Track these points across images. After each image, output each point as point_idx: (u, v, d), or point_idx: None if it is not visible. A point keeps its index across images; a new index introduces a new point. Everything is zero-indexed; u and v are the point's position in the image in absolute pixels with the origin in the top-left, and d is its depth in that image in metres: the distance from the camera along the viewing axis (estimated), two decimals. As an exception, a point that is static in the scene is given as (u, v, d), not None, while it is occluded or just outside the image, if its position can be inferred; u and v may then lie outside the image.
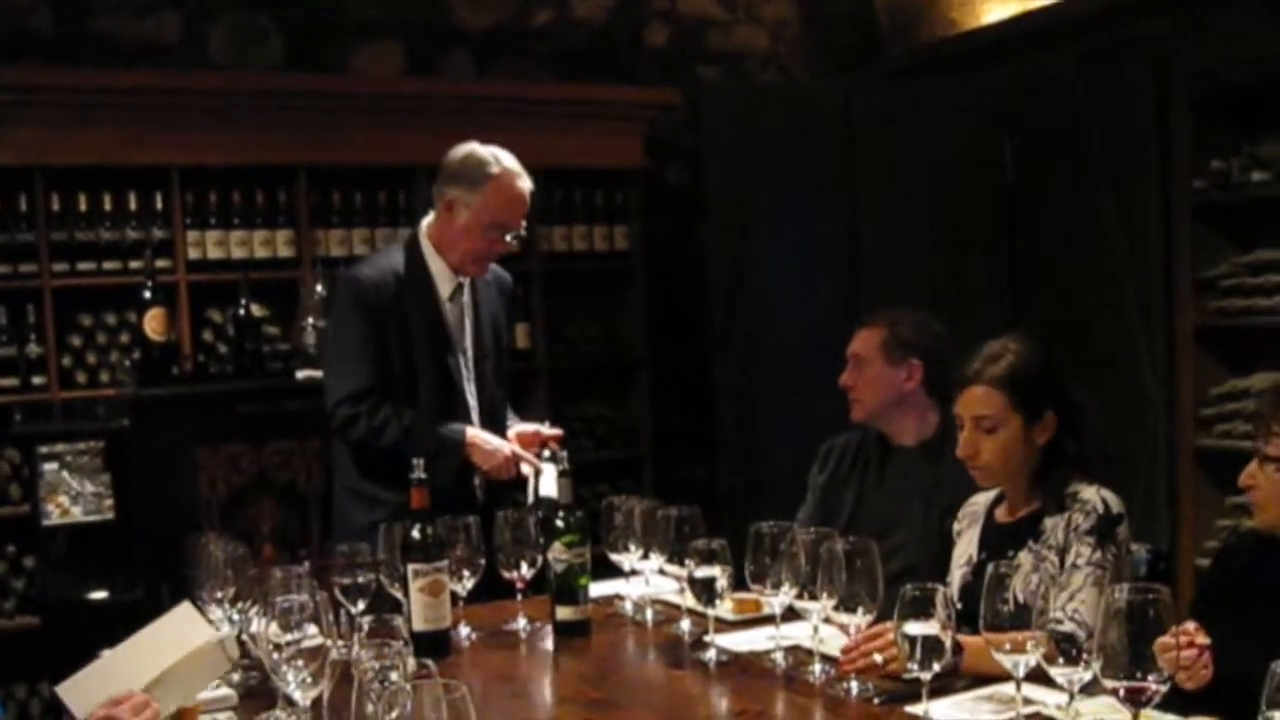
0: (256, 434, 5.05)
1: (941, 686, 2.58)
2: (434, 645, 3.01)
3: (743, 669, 2.94)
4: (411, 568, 3.08)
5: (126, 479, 4.87)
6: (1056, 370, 3.17)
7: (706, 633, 3.07)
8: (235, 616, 2.89)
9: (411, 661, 2.24)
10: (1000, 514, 3.19)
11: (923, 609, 2.40)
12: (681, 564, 3.07)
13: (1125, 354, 5.40)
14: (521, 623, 3.34)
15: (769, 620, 3.00)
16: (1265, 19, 4.81)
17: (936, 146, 5.89)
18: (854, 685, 2.68)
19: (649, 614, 3.42)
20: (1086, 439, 3.14)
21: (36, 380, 5.14)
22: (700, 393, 6.34)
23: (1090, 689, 2.29)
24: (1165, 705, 2.24)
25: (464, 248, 4.00)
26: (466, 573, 3.24)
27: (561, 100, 6.05)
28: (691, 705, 2.85)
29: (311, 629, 2.39)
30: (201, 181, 5.44)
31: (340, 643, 2.49)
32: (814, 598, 2.69)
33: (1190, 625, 2.57)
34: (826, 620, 2.73)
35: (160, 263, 5.23)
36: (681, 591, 3.21)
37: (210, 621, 2.78)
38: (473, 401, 4.07)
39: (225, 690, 2.77)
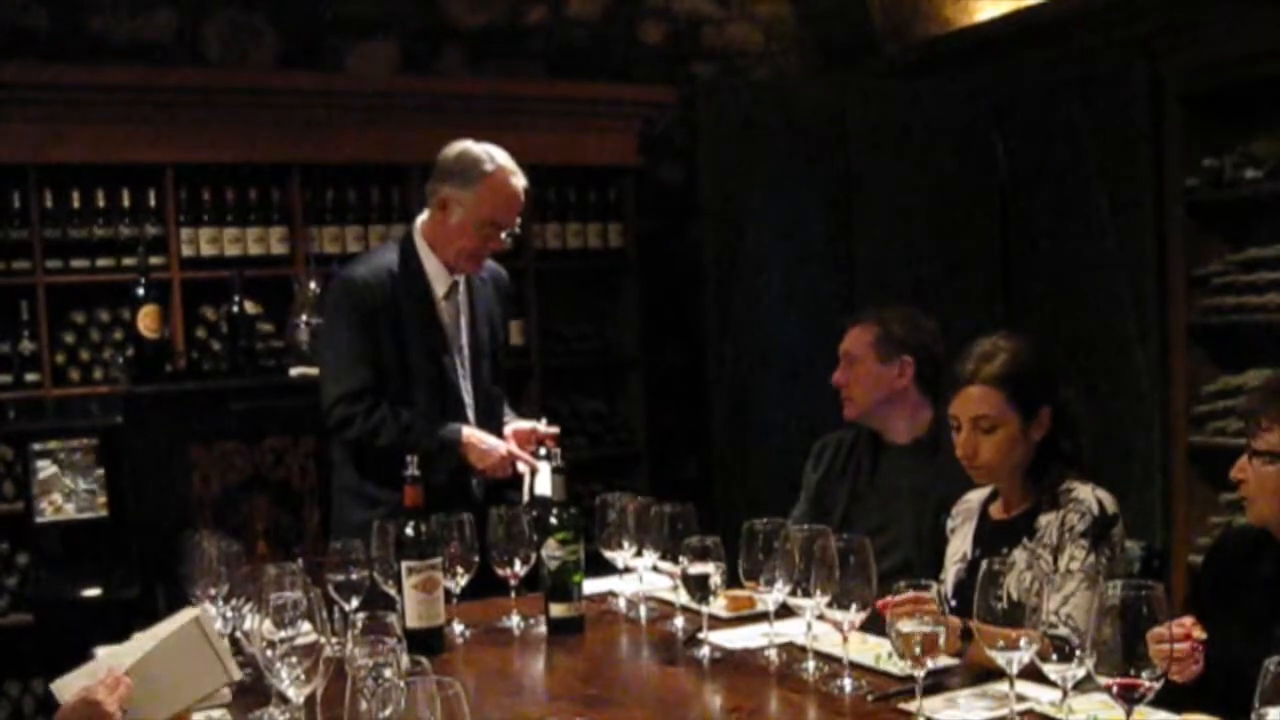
0: (250, 431, 5.04)
1: (935, 684, 2.58)
2: (428, 642, 3.00)
3: (736, 666, 2.95)
4: (405, 565, 3.08)
5: (120, 476, 4.87)
6: (1050, 366, 3.17)
7: (700, 630, 3.07)
8: (229, 614, 2.88)
9: (405, 659, 2.23)
10: (994, 511, 3.19)
11: (916, 605, 2.41)
12: (675, 561, 3.07)
13: (1118, 351, 5.41)
14: (515, 620, 3.34)
15: (763, 617, 2.99)
16: (1257, 17, 4.82)
17: (930, 144, 5.90)
18: (847, 682, 2.68)
19: (643, 611, 3.41)
20: (1081, 435, 3.14)
21: (30, 377, 5.14)
22: (694, 390, 6.33)
23: (1084, 686, 2.29)
24: (1158, 701, 2.24)
25: (458, 245, 4.00)
26: (460, 570, 3.24)
27: (555, 98, 6.05)
28: (685, 702, 2.84)
29: (305, 626, 2.39)
30: (195, 179, 5.44)
31: (334, 640, 2.49)
32: (807, 595, 2.69)
33: (1188, 620, 2.57)
34: (820, 617, 2.73)
35: (154, 260, 5.23)
36: (675, 588, 3.22)
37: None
38: (468, 399, 4.07)
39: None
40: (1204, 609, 2.74)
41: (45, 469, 4.80)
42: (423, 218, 4.08)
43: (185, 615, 2.68)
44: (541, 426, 4.06)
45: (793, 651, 2.93)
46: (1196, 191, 5.19)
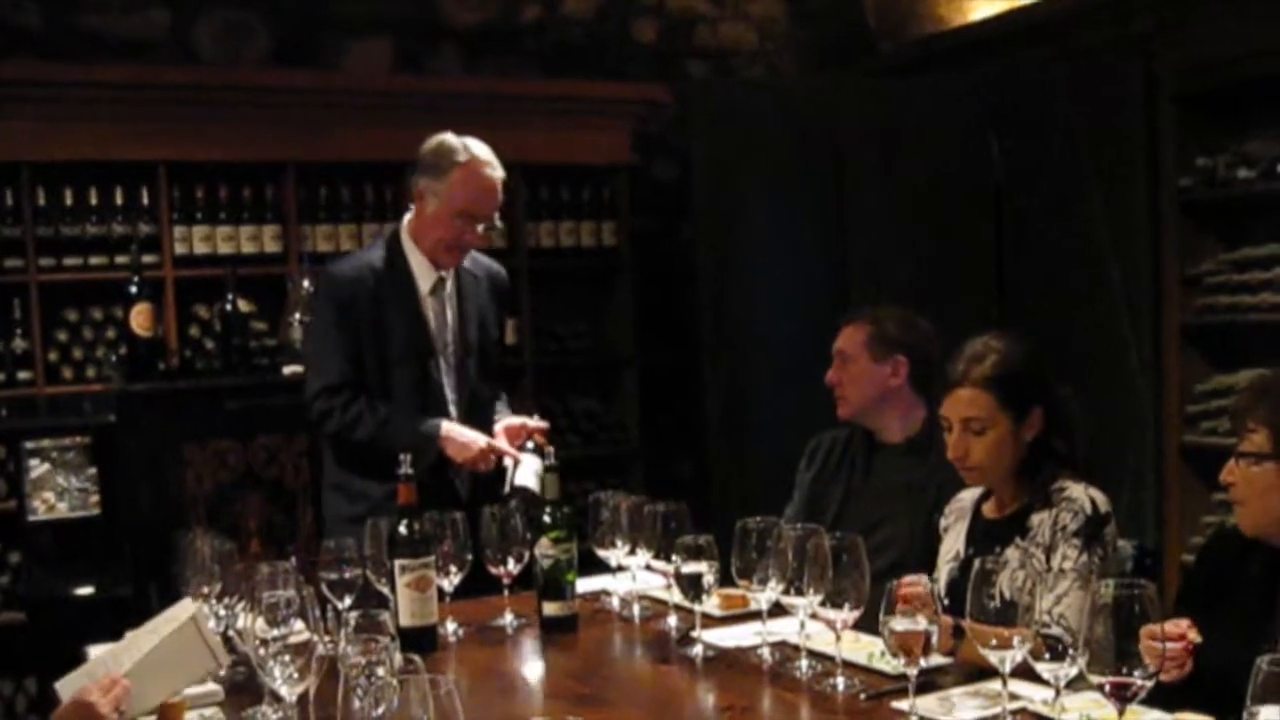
0: (243, 429, 5.03)
1: (928, 682, 2.59)
2: (421, 641, 3.00)
3: (729, 664, 2.94)
4: (398, 563, 3.08)
5: (113, 475, 4.86)
6: (1042, 366, 3.17)
7: (693, 628, 3.07)
8: (222, 612, 2.88)
9: (398, 657, 2.23)
10: (988, 510, 3.19)
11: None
12: (668, 559, 3.07)
13: (1112, 350, 5.41)
14: (508, 618, 3.34)
15: (756, 616, 2.99)
16: (1251, 16, 4.83)
17: (924, 143, 5.90)
18: (840, 681, 2.68)
19: (636, 609, 3.41)
20: (1074, 434, 3.14)
21: (22, 375, 5.15)
22: (687, 389, 6.33)
23: (1076, 684, 2.29)
24: (1150, 700, 2.24)
25: (434, 236, 3.98)
26: (453, 568, 3.23)
27: (549, 96, 6.05)
28: (678, 700, 2.85)
29: (298, 624, 2.39)
30: (189, 177, 5.44)
31: (327, 638, 2.49)
32: (801, 593, 2.69)
33: (1184, 622, 2.57)
34: (813, 616, 2.72)
35: (147, 258, 5.23)
36: (668, 587, 3.21)
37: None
38: (450, 396, 4.05)
39: (212, 685, 2.77)
40: (1194, 608, 2.74)
41: (38, 467, 4.79)
42: (410, 214, 4.08)
43: (182, 611, 2.69)
44: (531, 421, 4.04)
45: (786, 650, 2.93)
46: (1190, 191, 5.19)
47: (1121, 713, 2.16)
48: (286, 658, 2.35)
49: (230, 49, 5.77)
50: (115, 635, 3.09)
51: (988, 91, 5.87)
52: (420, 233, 4.01)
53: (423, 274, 4.03)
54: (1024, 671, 2.36)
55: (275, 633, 2.37)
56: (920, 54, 6.46)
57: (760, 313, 6.07)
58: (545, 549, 3.25)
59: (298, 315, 5.12)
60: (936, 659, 2.59)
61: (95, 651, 2.92)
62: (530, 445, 3.90)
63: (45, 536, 4.85)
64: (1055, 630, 2.67)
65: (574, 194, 6.24)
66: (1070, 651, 2.21)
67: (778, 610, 2.85)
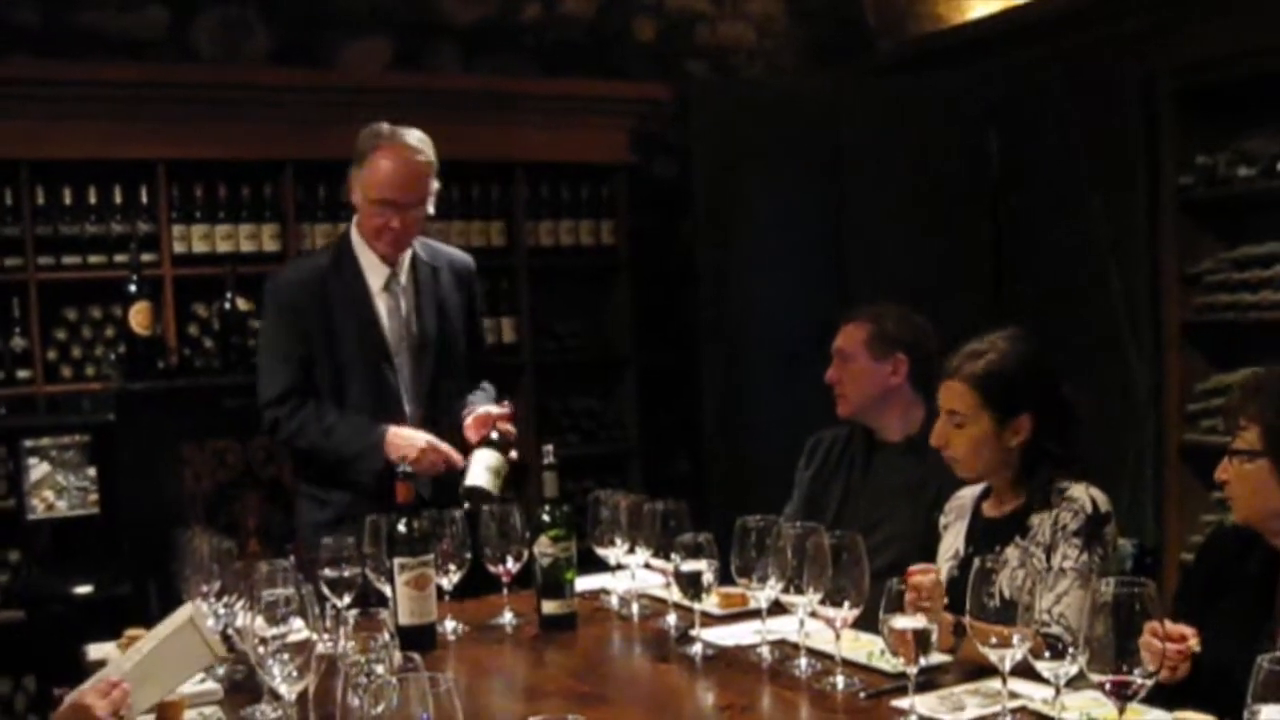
0: (242, 428, 5.03)
1: (928, 681, 2.58)
2: (420, 639, 3.00)
3: (729, 663, 2.94)
4: (397, 561, 3.08)
5: (111, 473, 4.85)
6: (1042, 373, 3.14)
7: (692, 627, 3.07)
8: (221, 611, 2.88)
9: (397, 655, 2.23)
10: (987, 509, 3.19)
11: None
12: (668, 558, 3.07)
13: (1112, 349, 5.41)
14: (507, 617, 3.34)
15: (755, 614, 3.00)
16: (1250, 13, 4.82)
17: (923, 142, 5.90)
18: (840, 680, 2.68)
19: (635, 608, 3.41)
20: (1072, 442, 3.12)
21: (21, 374, 5.14)
22: (686, 387, 6.33)
23: (1076, 683, 2.29)
24: (1150, 699, 2.24)
25: (365, 226, 3.93)
26: (452, 567, 3.23)
27: (548, 95, 6.05)
28: (677, 699, 2.85)
29: (297, 623, 2.39)
30: (187, 175, 5.43)
31: (326, 636, 2.49)
32: (800, 592, 2.69)
33: (1188, 630, 2.56)
34: (813, 614, 2.72)
35: (145, 257, 5.22)
36: (668, 585, 3.21)
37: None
38: (406, 394, 3.97)
39: (211, 684, 2.77)
40: (1192, 606, 2.75)
41: (37, 466, 4.78)
42: None
43: (181, 615, 2.68)
44: (495, 409, 3.90)
45: (785, 649, 2.93)
46: (1190, 189, 5.19)
47: (1122, 711, 2.16)
48: (285, 656, 2.35)
49: (229, 47, 5.77)
50: (114, 634, 3.09)
51: (986, 90, 5.87)
52: (359, 223, 3.97)
53: (372, 270, 3.97)
54: (1024, 670, 2.35)
55: (274, 631, 2.37)
56: (919, 52, 6.46)
57: (759, 312, 6.07)
58: (544, 547, 3.25)
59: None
60: (936, 657, 2.59)
61: (94, 652, 2.92)
62: (494, 434, 3.78)
63: (44, 535, 4.84)
64: (1054, 629, 2.67)
65: (573, 193, 6.23)
66: (1070, 650, 2.21)
67: (777, 609, 2.85)
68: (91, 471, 4.84)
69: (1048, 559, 2.94)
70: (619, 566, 3.42)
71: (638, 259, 6.32)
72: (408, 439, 3.81)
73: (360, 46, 6.01)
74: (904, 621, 2.40)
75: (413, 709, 1.83)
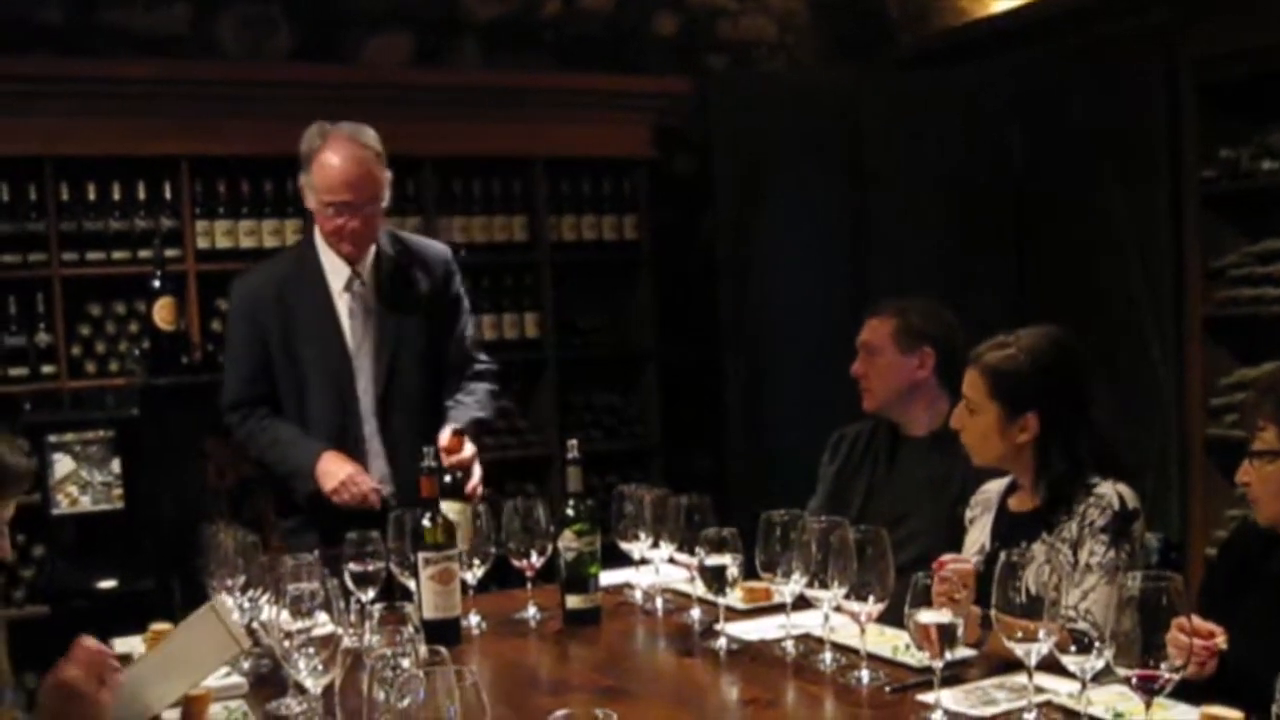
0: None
1: (953, 675, 2.58)
2: (444, 633, 2.99)
3: (753, 657, 2.94)
4: (422, 556, 3.08)
5: (135, 468, 4.87)
6: (1060, 376, 3.11)
7: (717, 621, 3.07)
8: (246, 605, 2.89)
9: (423, 649, 2.23)
10: (1013, 503, 3.17)
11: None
12: (692, 552, 3.07)
13: (1135, 344, 5.40)
14: (531, 611, 3.34)
15: (779, 609, 3.00)
16: (1273, 7, 4.80)
17: (945, 136, 5.89)
18: (865, 674, 2.68)
19: (659, 602, 3.41)
20: (1078, 451, 3.08)
21: (46, 370, 5.16)
22: (709, 382, 6.33)
23: (1103, 678, 2.28)
24: (1175, 694, 2.23)
25: (323, 229, 3.89)
26: (476, 561, 3.24)
27: (569, 90, 6.04)
28: (702, 693, 2.85)
29: (322, 617, 2.40)
30: (210, 171, 5.45)
31: (351, 631, 2.49)
32: (825, 586, 2.68)
33: (1216, 628, 2.55)
34: (837, 609, 2.72)
35: (169, 252, 5.25)
36: (692, 580, 3.21)
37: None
38: (364, 397, 3.92)
39: (236, 678, 2.78)
40: (1215, 602, 2.74)
41: (61, 461, 4.80)
42: None
43: (206, 609, 2.69)
44: (443, 436, 3.68)
45: (810, 643, 2.93)
46: (1213, 183, 5.16)
47: (1148, 705, 2.15)
48: (311, 650, 2.36)
49: (252, 44, 5.78)
50: (139, 629, 3.11)
51: (1008, 84, 5.85)
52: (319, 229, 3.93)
53: (334, 272, 3.92)
54: (1050, 665, 2.34)
55: (300, 625, 2.38)
56: (941, 46, 6.45)
57: (780, 306, 6.07)
58: (568, 542, 3.25)
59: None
60: (962, 651, 2.58)
61: (120, 647, 2.93)
62: (446, 478, 3.42)
63: (68, 530, 4.86)
64: (1081, 625, 2.66)
65: (594, 188, 6.24)
66: (1097, 644, 2.20)
67: (802, 603, 2.85)
68: (116, 467, 4.86)
69: (1074, 555, 2.93)
70: (643, 561, 3.42)
71: (659, 254, 6.31)
72: (330, 470, 3.78)
73: (382, 43, 6.02)
74: (929, 616, 2.39)
75: (439, 702, 1.83)
